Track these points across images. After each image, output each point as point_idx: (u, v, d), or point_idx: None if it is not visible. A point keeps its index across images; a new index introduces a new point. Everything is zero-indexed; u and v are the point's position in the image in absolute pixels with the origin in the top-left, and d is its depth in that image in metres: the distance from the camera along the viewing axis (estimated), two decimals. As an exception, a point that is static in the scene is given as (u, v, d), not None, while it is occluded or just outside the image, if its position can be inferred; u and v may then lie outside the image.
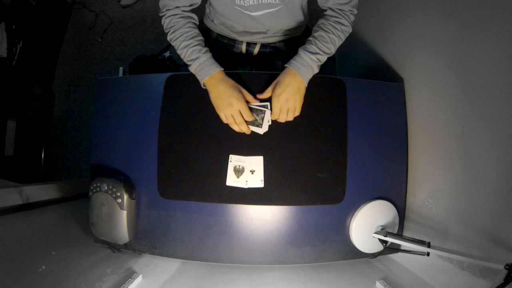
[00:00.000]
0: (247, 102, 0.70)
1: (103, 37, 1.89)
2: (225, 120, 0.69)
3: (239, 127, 0.69)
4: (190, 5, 0.72)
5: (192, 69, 0.70)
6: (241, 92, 0.69)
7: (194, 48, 0.68)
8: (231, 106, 0.67)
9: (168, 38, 0.72)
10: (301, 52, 0.68)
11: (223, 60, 0.93)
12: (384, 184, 0.77)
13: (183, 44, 0.69)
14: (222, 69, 0.70)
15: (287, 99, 0.67)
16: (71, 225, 0.88)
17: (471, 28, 0.61)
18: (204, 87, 0.71)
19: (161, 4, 0.71)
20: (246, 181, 0.72)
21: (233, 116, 0.67)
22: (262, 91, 0.72)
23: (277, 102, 0.68)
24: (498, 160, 0.55)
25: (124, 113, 0.78)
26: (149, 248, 0.76)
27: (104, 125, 0.79)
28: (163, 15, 0.72)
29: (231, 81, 0.69)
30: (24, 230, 0.78)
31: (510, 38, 0.52)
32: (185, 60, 0.71)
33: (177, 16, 0.70)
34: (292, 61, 0.68)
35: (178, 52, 0.71)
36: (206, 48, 0.70)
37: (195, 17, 0.75)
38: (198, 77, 0.70)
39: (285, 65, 0.69)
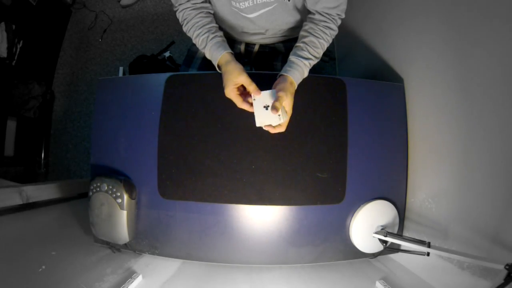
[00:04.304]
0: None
1: (103, 37, 1.89)
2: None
3: (239, 106, 0.68)
4: None
5: (207, 56, 0.73)
6: (234, 81, 0.66)
7: (203, 36, 0.70)
8: (226, 93, 0.68)
9: (184, 30, 0.74)
10: (294, 58, 0.68)
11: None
12: (384, 184, 0.77)
13: (195, 34, 0.71)
14: (225, 52, 0.69)
15: (289, 106, 0.67)
16: (71, 225, 0.88)
17: (471, 28, 0.61)
18: (220, 71, 0.72)
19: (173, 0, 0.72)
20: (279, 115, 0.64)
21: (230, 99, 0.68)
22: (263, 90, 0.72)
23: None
24: (498, 160, 0.55)
25: (124, 113, 0.78)
26: (149, 248, 0.76)
27: (104, 125, 0.79)
28: (176, 10, 0.73)
29: (229, 67, 0.68)
30: (24, 230, 0.78)
31: (510, 38, 0.52)
32: (200, 49, 0.73)
33: (189, 9, 0.71)
34: (287, 68, 0.68)
35: (194, 42, 0.73)
36: (214, 34, 0.71)
37: (209, 6, 0.74)
38: (214, 63, 0.72)
39: (283, 74, 0.68)
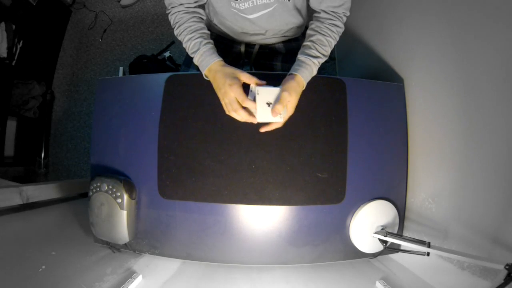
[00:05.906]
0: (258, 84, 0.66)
1: (103, 37, 1.89)
2: (226, 110, 0.67)
3: (237, 114, 0.65)
4: (195, 2, 0.73)
5: (195, 61, 0.71)
6: (235, 77, 0.65)
7: (196, 40, 0.69)
8: (226, 94, 0.65)
9: (175, 33, 0.73)
10: (303, 57, 0.68)
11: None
12: (384, 184, 0.77)
13: (186, 38, 0.70)
14: (220, 59, 0.69)
15: (292, 105, 0.66)
16: (71, 225, 0.88)
17: (472, 28, 0.61)
18: (206, 79, 0.71)
19: (166, 2, 0.72)
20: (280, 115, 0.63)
21: (231, 104, 0.65)
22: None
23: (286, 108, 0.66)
24: (498, 160, 0.55)
25: (124, 113, 0.78)
26: (149, 248, 0.76)
27: (104, 125, 0.79)
28: (169, 12, 0.73)
29: (227, 69, 0.67)
30: (24, 230, 0.78)
31: (510, 38, 0.52)
32: (189, 54, 0.71)
33: (182, 12, 0.71)
34: (296, 67, 0.68)
35: (184, 46, 0.72)
36: (208, 40, 0.70)
37: (201, 11, 0.74)
38: (200, 69, 0.71)
39: (292, 73, 0.67)
